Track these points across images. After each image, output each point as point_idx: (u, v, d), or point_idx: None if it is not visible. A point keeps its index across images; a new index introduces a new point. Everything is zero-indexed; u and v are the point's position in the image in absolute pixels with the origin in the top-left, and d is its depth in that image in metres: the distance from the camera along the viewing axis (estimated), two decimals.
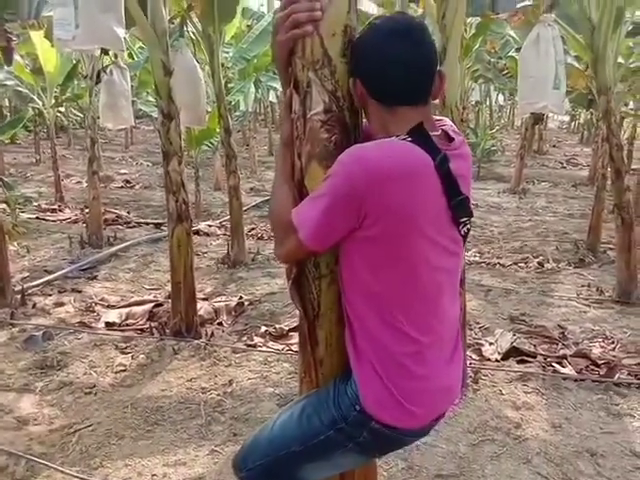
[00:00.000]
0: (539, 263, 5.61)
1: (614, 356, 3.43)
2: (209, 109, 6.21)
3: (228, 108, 5.59)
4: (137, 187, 9.91)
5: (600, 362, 3.33)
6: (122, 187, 9.81)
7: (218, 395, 2.97)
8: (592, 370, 3.27)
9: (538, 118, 5.09)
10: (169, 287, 3.89)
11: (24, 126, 10.68)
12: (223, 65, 5.67)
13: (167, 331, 3.76)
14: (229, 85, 7.37)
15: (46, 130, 12.68)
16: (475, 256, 5.95)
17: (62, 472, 2.30)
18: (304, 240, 1.07)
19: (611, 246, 5.56)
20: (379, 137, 1.10)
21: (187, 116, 4.33)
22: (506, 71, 9.13)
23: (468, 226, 1.17)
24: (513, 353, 3.49)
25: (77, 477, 2.29)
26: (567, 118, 19.21)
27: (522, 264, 5.61)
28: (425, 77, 1.10)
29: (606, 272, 5.18)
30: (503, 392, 2.90)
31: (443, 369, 1.16)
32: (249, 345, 3.63)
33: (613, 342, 3.66)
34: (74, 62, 7.03)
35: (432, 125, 1.13)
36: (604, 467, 2.24)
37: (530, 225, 7.34)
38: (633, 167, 10.16)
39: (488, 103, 16.58)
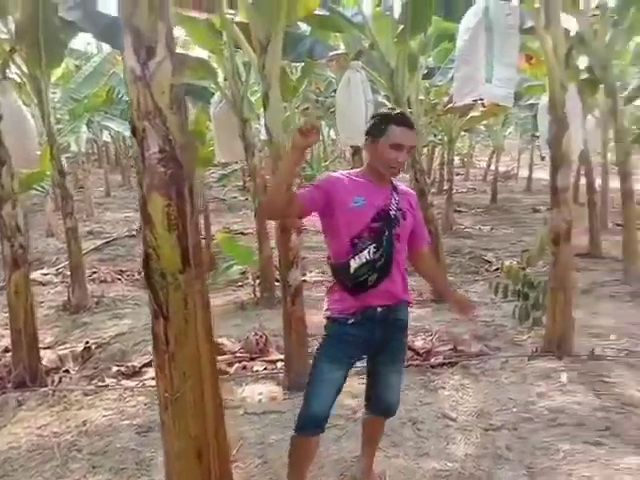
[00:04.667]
0: None
1: (432, 345, 4.08)
2: (38, 151, 5.98)
3: (59, 149, 5.47)
4: None
5: (422, 351, 3.95)
6: None
7: (72, 436, 2.92)
8: (416, 358, 3.87)
9: (357, 150, 5.85)
10: (6, 341, 3.70)
11: None
12: (54, 107, 5.56)
13: (9, 384, 3.58)
14: (59, 126, 7.13)
15: None
16: (318, 276, 6.50)
17: None
18: None
19: None
20: None
21: (17, 159, 4.20)
22: (333, 108, 10.14)
23: None
24: None
25: None
26: None
27: None
28: None
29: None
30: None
31: None
32: (100, 386, 3.59)
33: (431, 334, 4.34)
34: None
35: None
36: (422, 430, 2.74)
37: None
38: (445, 188, 11.77)
39: (321, 138, 17.93)
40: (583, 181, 8.49)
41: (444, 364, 3.66)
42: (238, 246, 5.69)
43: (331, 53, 5.20)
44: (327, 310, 2.00)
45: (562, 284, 3.57)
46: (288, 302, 3.25)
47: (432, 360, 3.73)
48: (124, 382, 3.65)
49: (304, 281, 6.17)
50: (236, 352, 4.00)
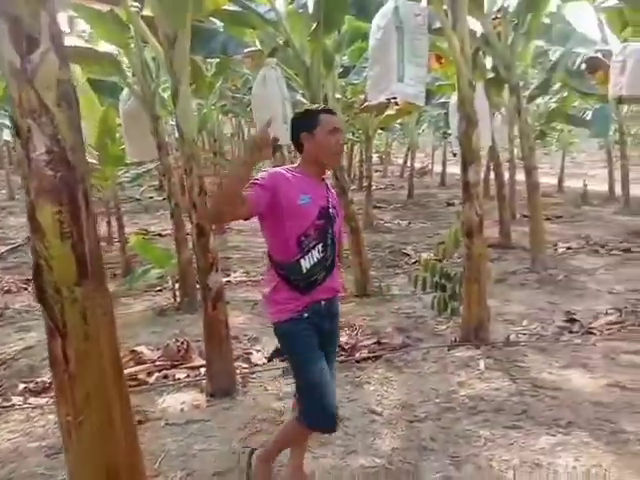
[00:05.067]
0: None
1: (356, 340, 4.12)
2: None
3: None
4: None
5: (347, 347, 3.96)
6: None
7: None
8: (341, 354, 3.88)
9: (276, 148, 5.79)
10: None
11: None
12: None
13: None
14: None
15: None
16: (242, 276, 6.37)
17: None
18: None
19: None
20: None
21: None
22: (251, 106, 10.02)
23: None
24: (278, 354, 3.91)
25: None
26: None
27: None
28: None
29: (347, 272, 6.08)
30: (268, 388, 3.26)
31: None
32: (5, 406, 3.31)
33: (356, 329, 4.37)
34: None
35: None
36: (350, 427, 2.73)
37: None
38: (364, 184, 11.97)
39: (240, 135, 17.63)
40: (493, 176, 8.95)
41: (369, 358, 3.70)
42: (155, 249, 5.45)
43: (246, 50, 5.10)
44: (276, 313, 1.99)
45: (476, 275, 3.71)
46: (209, 306, 3.13)
47: (357, 355, 3.76)
48: (32, 400, 3.38)
49: (228, 282, 6.06)
50: (156, 360, 3.82)
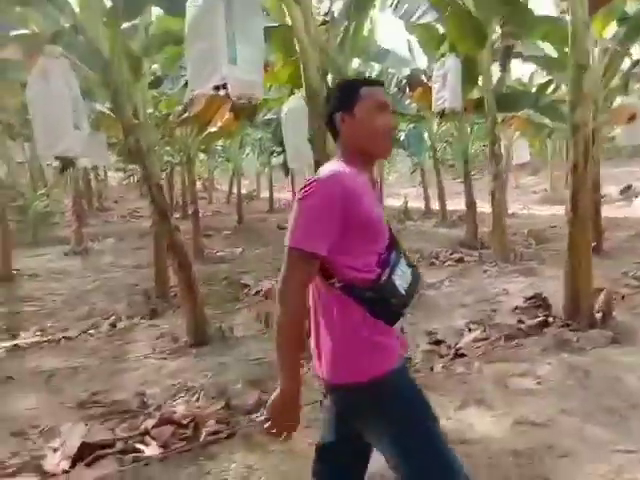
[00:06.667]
0: (111, 324, 5.02)
1: (198, 407, 3.10)
2: None
3: None
4: None
5: (186, 421, 2.92)
6: None
7: None
8: (180, 434, 2.83)
9: (68, 164, 4.49)
10: None
11: None
12: None
13: None
14: None
15: None
16: (35, 336, 4.86)
17: None
18: None
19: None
20: None
21: None
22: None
23: None
24: (86, 451, 2.72)
25: None
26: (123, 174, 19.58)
27: (92, 331, 4.89)
28: None
29: (179, 316, 5.01)
30: None
31: None
32: None
33: (196, 392, 3.35)
34: None
35: None
36: None
37: (98, 285, 6.69)
38: (190, 211, 10.81)
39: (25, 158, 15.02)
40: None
41: (218, 435, 2.72)
42: None
43: (14, 33, 3.82)
44: (375, 362, 1.31)
45: None
46: None
47: (202, 434, 2.75)
48: None
49: (15, 346, 4.54)
50: None
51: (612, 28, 5.97)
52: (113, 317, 5.22)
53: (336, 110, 1.42)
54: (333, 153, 3.07)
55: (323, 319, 1.36)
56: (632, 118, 5.77)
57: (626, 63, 6.42)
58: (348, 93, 1.43)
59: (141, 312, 5.33)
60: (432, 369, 3.43)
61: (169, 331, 4.58)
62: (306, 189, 1.28)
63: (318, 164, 2.97)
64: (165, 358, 4.00)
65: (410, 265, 1.42)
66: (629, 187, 13.83)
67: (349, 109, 1.40)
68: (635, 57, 6.67)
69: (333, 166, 1.37)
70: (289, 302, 1.28)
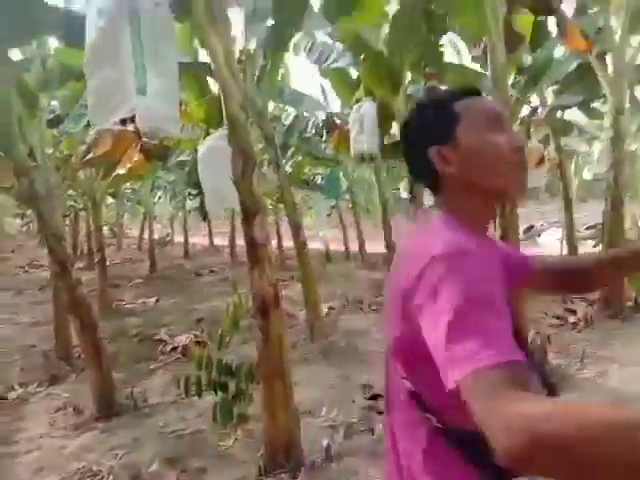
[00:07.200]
0: (0, 397, 4.30)
1: None
2: None
3: None
4: None
5: None
6: None
7: None
8: None
9: None
10: None
11: None
12: None
13: None
14: None
15: None
16: None
17: None
18: None
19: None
20: None
21: None
22: None
23: None
24: None
25: None
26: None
27: None
28: None
29: (84, 382, 4.39)
30: None
31: None
32: None
33: (103, 478, 2.84)
34: None
35: None
36: None
37: None
38: (96, 260, 9.98)
39: None
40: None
41: None
42: None
43: None
44: None
45: (278, 367, 2.67)
46: None
47: None
48: None
49: None
50: None
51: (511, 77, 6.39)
52: (3, 386, 4.49)
53: (426, 145, 0.94)
54: (261, 195, 2.82)
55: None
56: (541, 162, 6.04)
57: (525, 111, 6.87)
58: (440, 115, 0.95)
59: (38, 378, 4.63)
60: (373, 432, 3.14)
61: (71, 401, 3.97)
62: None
63: (246, 206, 2.67)
64: (66, 436, 3.42)
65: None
66: (530, 227, 14.69)
67: (448, 138, 0.93)
68: (534, 104, 7.16)
69: (448, 233, 0.85)
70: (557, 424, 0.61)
